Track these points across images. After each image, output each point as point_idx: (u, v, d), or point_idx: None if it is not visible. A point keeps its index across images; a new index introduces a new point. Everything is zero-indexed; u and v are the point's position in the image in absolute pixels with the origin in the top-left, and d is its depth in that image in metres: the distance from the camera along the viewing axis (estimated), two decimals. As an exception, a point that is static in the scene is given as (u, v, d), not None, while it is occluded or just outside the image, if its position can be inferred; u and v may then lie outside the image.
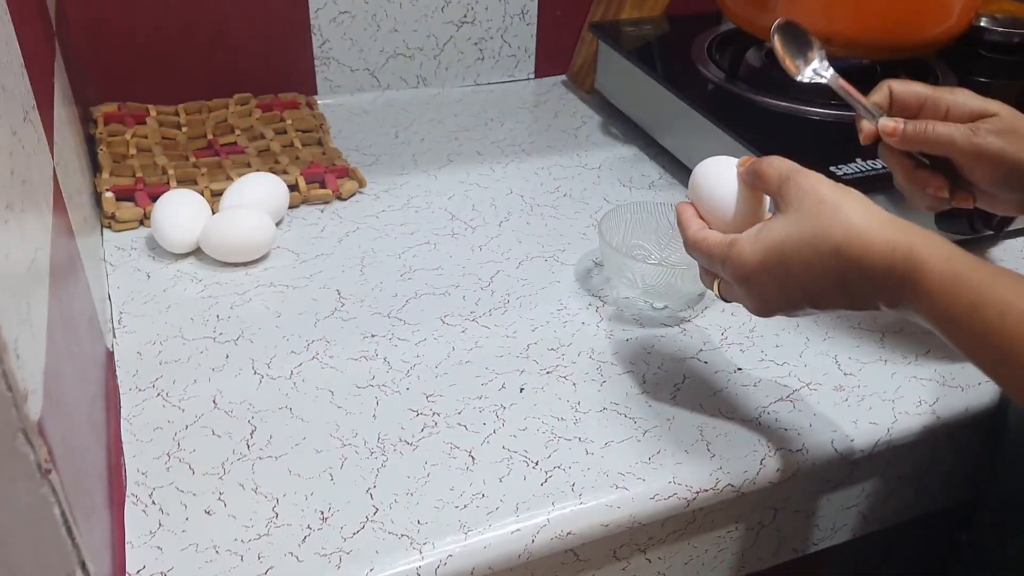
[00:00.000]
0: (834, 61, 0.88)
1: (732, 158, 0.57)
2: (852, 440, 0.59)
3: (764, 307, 0.52)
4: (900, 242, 0.45)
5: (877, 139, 0.60)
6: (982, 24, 0.96)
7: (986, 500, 0.65)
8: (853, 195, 0.48)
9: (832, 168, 0.73)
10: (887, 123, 0.58)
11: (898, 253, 0.45)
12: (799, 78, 0.65)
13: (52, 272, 0.45)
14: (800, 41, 0.66)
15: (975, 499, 0.67)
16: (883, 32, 0.81)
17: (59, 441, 0.38)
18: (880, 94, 0.60)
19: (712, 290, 0.55)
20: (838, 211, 0.47)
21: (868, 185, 0.72)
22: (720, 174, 0.55)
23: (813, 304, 0.50)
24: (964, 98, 0.57)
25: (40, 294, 0.41)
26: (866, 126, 0.60)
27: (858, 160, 0.75)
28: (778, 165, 0.52)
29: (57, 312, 0.44)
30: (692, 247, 0.54)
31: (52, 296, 0.44)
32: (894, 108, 0.60)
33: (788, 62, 0.65)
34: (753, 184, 0.53)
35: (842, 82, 0.63)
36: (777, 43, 0.65)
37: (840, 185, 0.50)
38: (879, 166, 0.74)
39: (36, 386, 0.36)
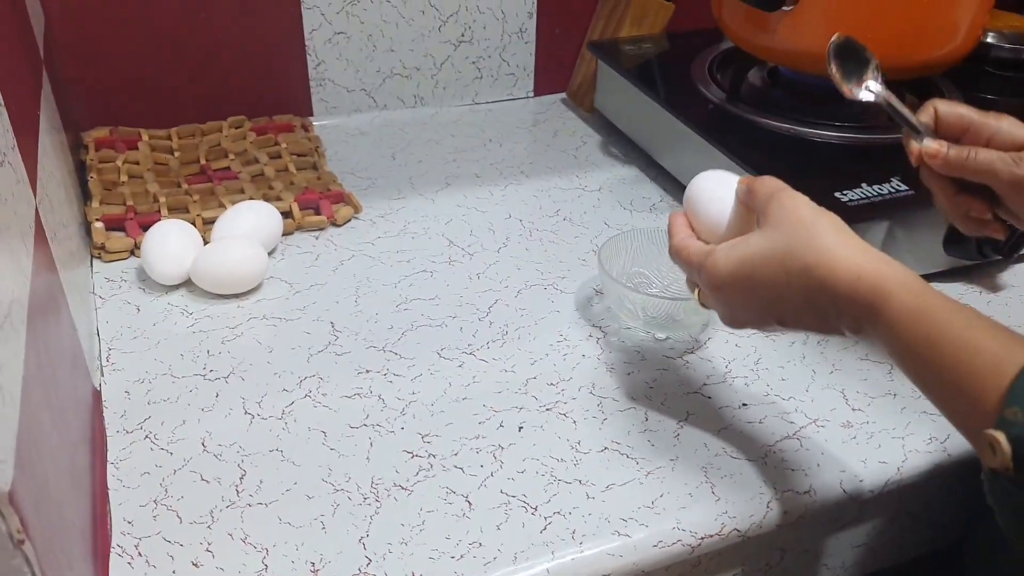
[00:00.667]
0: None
1: (728, 173, 0.58)
2: (861, 480, 0.57)
3: (733, 318, 0.53)
4: (868, 270, 0.45)
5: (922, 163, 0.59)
6: (989, 40, 0.94)
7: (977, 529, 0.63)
8: (831, 219, 0.49)
9: (837, 195, 0.72)
10: (931, 145, 0.58)
11: (864, 280, 0.45)
12: (855, 97, 0.63)
13: (30, 320, 0.44)
14: (856, 58, 0.63)
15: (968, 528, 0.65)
16: (889, 52, 0.78)
17: (32, 507, 0.36)
18: (926, 114, 0.59)
19: (693, 296, 0.57)
20: (812, 233, 0.48)
21: (874, 211, 0.71)
22: (715, 188, 0.56)
23: (780, 321, 0.50)
24: (1010, 126, 0.56)
25: (15, 350, 0.39)
26: (914, 146, 0.59)
27: (863, 185, 0.73)
28: (769, 183, 0.53)
29: (34, 364, 0.43)
30: (675, 253, 0.56)
31: (29, 347, 0.42)
32: (938, 130, 0.59)
33: (843, 84, 0.63)
34: (746, 200, 0.54)
35: (892, 99, 0.61)
36: (833, 65, 0.63)
37: (821, 208, 0.50)
38: (885, 192, 0.73)
39: (7, 455, 0.34)
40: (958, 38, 0.80)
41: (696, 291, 0.56)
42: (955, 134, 0.58)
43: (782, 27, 0.80)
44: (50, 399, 0.45)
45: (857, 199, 0.71)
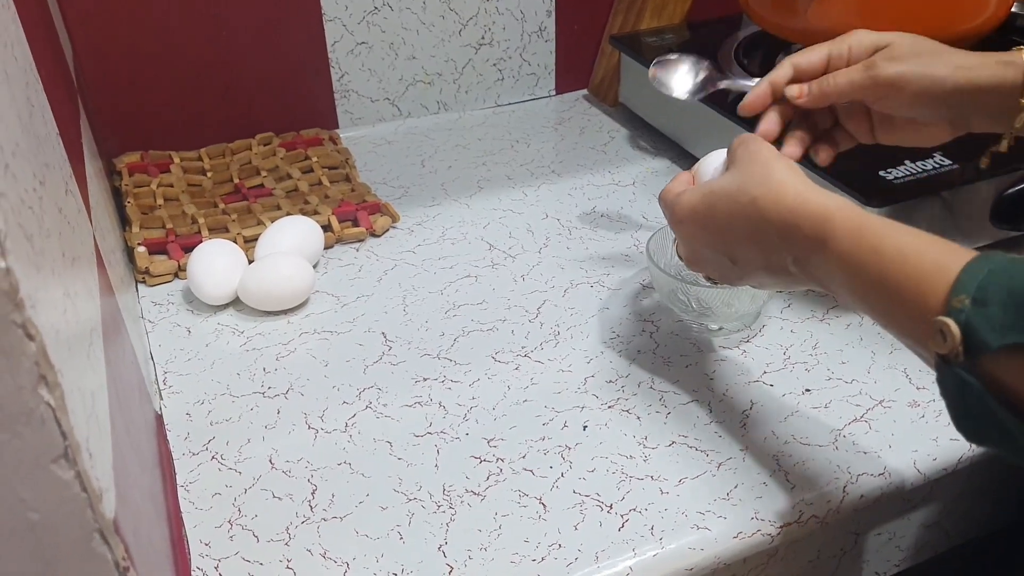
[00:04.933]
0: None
1: None
2: (935, 459, 0.57)
3: (691, 253, 0.56)
4: (811, 198, 0.47)
5: (757, 111, 0.61)
6: (1015, 11, 0.93)
7: None
8: (786, 162, 0.51)
9: (882, 173, 0.71)
10: (792, 89, 0.59)
11: (808, 206, 0.47)
12: (691, 97, 0.69)
13: (105, 348, 0.44)
14: (679, 68, 0.69)
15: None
16: (917, 29, 0.78)
17: (132, 534, 0.36)
18: (783, 71, 0.60)
19: (672, 247, 0.61)
20: (765, 169, 0.50)
21: (921, 188, 0.70)
22: (721, 156, 0.59)
23: (731, 256, 0.52)
24: (860, 37, 0.59)
25: (100, 379, 0.39)
26: (747, 98, 0.61)
27: (907, 163, 0.72)
28: (745, 136, 0.56)
29: (115, 392, 0.42)
30: (660, 198, 0.58)
31: (109, 377, 0.42)
32: (804, 79, 0.60)
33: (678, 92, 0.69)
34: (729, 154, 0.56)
35: (732, 79, 0.67)
36: (658, 78, 0.69)
37: (781, 155, 0.52)
38: (929, 167, 0.72)
39: (108, 483, 0.34)
40: (989, 9, 0.79)
41: (674, 242, 0.59)
42: (821, 74, 0.60)
43: (812, 10, 0.79)
44: (128, 426, 0.45)
45: (903, 176, 0.71)
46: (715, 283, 0.60)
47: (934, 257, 0.41)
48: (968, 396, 0.38)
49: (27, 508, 0.31)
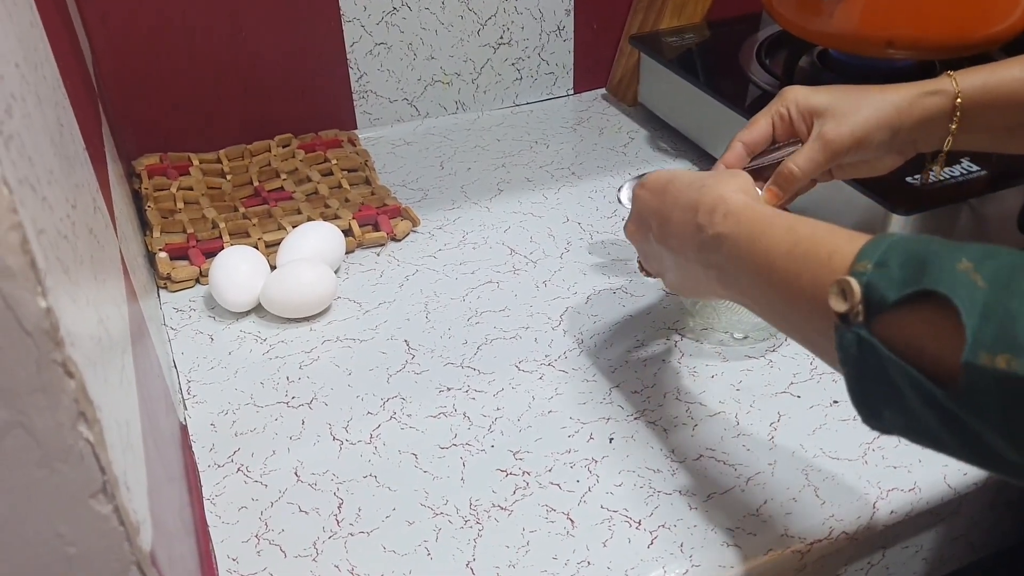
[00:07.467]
0: (893, 62, 0.85)
1: None
2: (965, 474, 0.56)
3: (636, 214, 0.58)
4: (755, 201, 0.50)
5: None
6: (1042, 10, 0.92)
7: None
8: (754, 191, 0.53)
9: (909, 179, 0.70)
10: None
11: (749, 191, 0.50)
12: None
13: (135, 368, 0.43)
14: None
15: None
16: (946, 32, 0.77)
17: (167, 563, 0.36)
18: (735, 152, 0.62)
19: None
20: (731, 176, 0.53)
21: (949, 194, 0.70)
22: None
23: (663, 219, 0.54)
24: (795, 95, 0.61)
25: (132, 403, 0.39)
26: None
27: (932, 169, 0.72)
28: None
29: (145, 411, 0.42)
30: None
31: (139, 396, 0.42)
32: (755, 152, 0.63)
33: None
34: None
35: None
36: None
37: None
38: (957, 174, 0.71)
39: (145, 514, 0.34)
40: (1018, 12, 0.78)
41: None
42: (770, 142, 0.62)
43: (838, 13, 0.78)
44: (158, 445, 0.45)
45: (931, 183, 0.70)
46: (644, 270, 0.63)
47: (846, 236, 0.42)
48: (867, 357, 0.38)
49: (64, 542, 0.31)
